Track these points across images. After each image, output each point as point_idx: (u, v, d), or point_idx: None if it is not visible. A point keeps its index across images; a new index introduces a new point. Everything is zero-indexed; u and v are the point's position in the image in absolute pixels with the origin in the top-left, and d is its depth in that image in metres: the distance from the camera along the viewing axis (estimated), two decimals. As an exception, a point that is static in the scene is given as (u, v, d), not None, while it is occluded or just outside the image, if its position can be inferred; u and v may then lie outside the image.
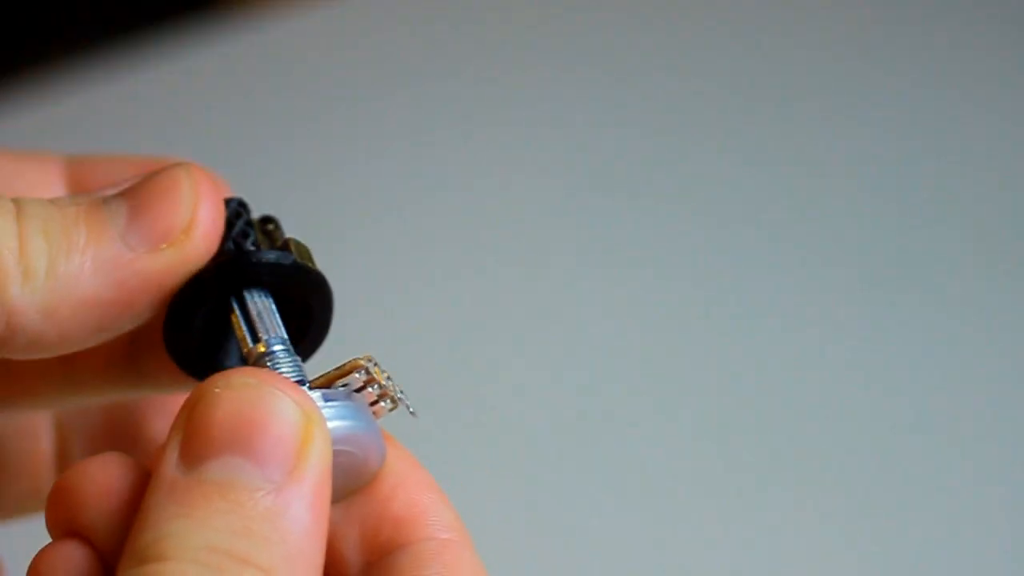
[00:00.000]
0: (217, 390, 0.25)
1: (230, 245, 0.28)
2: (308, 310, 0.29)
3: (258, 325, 0.28)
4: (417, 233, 0.79)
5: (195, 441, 0.25)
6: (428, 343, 0.73)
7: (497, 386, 0.68)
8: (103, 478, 0.26)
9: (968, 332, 0.75)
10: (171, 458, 0.25)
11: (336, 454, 0.26)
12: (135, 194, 0.27)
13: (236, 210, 0.29)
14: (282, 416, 0.25)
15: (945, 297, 0.77)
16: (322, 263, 0.31)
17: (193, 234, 0.27)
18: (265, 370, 0.26)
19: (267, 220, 0.30)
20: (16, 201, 0.26)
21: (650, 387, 0.72)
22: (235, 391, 0.25)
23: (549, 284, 0.78)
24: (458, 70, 0.96)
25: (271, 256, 0.29)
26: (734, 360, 0.73)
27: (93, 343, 0.27)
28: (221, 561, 0.23)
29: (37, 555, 0.27)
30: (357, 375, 0.27)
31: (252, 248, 0.29)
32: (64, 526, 0.27)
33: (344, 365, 0.28)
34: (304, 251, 0.30)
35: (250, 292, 0.28)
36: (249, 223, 0.29)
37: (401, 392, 0.28)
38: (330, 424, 0.26)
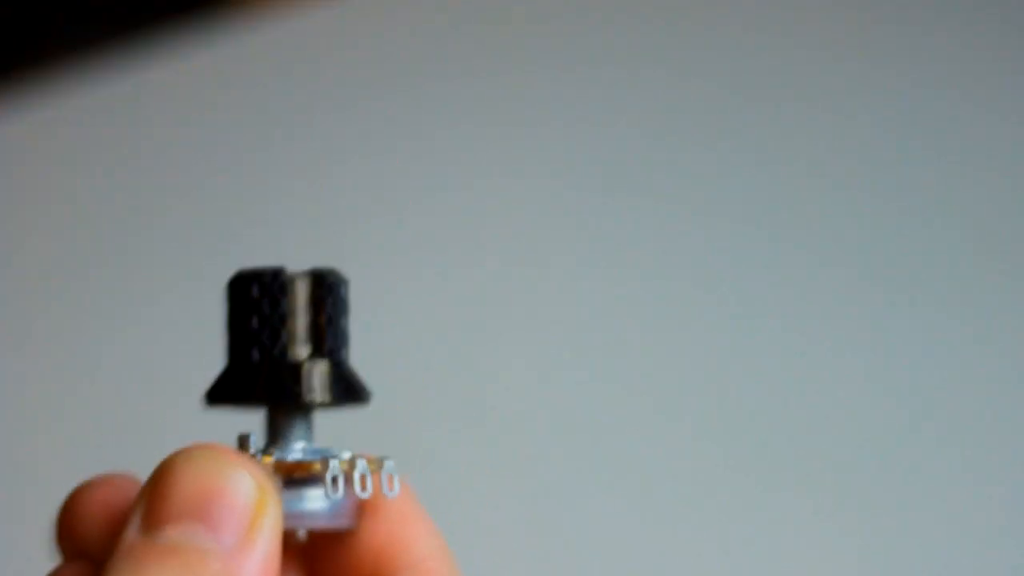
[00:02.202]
0: (179, 461, 0.26)
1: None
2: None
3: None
4: (417, 232, 0.79)
5: (155, 508, 0.26)
6: (428, 342, 0.73)
7: (497, 385, 0.68)
8: (106, 497, 0.28)
9: (968, 332, 0.75)
10: (133, 524, 0.26)
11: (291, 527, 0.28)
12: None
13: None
14: (238, 487, 0.26)
15: (945, 297, 0.77)
16: (322, 263, 0.31)
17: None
18: (224, 446, 0.27)
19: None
20: None
21: (649, 387, 0.72)
22: (196, 463, 0.26)
23: (549, 283, 0.78)
24: (458, 70, 0.96)
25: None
26: (734, 360, 0.73)
27: None
28: None
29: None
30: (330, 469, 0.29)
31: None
32: (70, 547, 0.28)
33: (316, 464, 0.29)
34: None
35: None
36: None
37: (383, 472, 0.29)
38: (284, 504, 0.27)
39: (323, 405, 0.29)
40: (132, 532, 0.25)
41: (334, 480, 0.28)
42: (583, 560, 0.67)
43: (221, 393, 0.29)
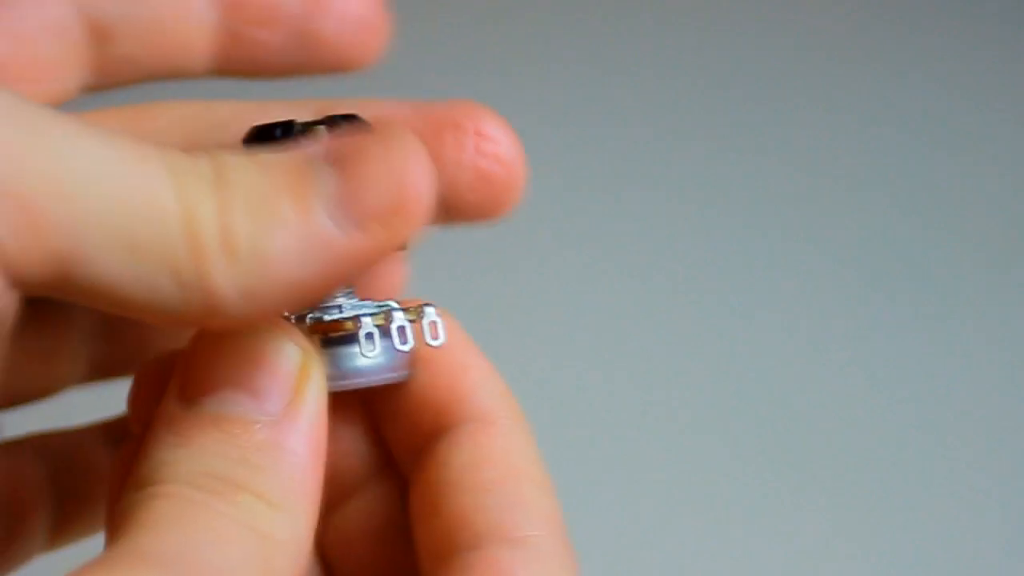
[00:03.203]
0: (215, 330, 0.25)
1: None
2: None
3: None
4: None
5: (194, 377, 0.25)
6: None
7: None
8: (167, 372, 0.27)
9: (968, 332, 0.75)
10: (171, 393, 0.25)
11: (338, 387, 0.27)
12: (345, 161, 0.24)
13: None
14: (280, 353, 0.25)
15: (948, 296, 0.77)
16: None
17: (405, 213, 0.25)
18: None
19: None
20: (215, 160, 0.24)
21: (649, 386, 0.72)
22: (233, 332, 0.25)
23: (549, 283, 0.78)
24: (458, 70, 0.96)
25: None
26: (734, 359, 0.74)
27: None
28: (217, 485, 0.24)
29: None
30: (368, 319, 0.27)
31: None
32: (135, 422, 0.27)
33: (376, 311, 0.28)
34: None
35: None
36: None
37: (426, 318, 0.28)
38: (328, 364, 0.26)
39: None
40: (171, 403, 0.25)
41: (368, 336, 0.27)
42: (583, 561, 0.67)
43: None
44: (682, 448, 0.68)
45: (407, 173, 0.25)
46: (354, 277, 0.26)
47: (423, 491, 0.27)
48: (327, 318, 0.27)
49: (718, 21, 1.02)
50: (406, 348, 0.27)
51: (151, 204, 0.23)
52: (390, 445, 0.29)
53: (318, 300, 0.27)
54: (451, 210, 0.30)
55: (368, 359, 0.27)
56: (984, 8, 1.03)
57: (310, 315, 0.27)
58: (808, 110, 0.92)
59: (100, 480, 0.32)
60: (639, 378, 0.72)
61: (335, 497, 0.27)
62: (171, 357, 0.27)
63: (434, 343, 0.28)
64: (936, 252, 0.80)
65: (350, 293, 0.28)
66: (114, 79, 0.30)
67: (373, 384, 0.27)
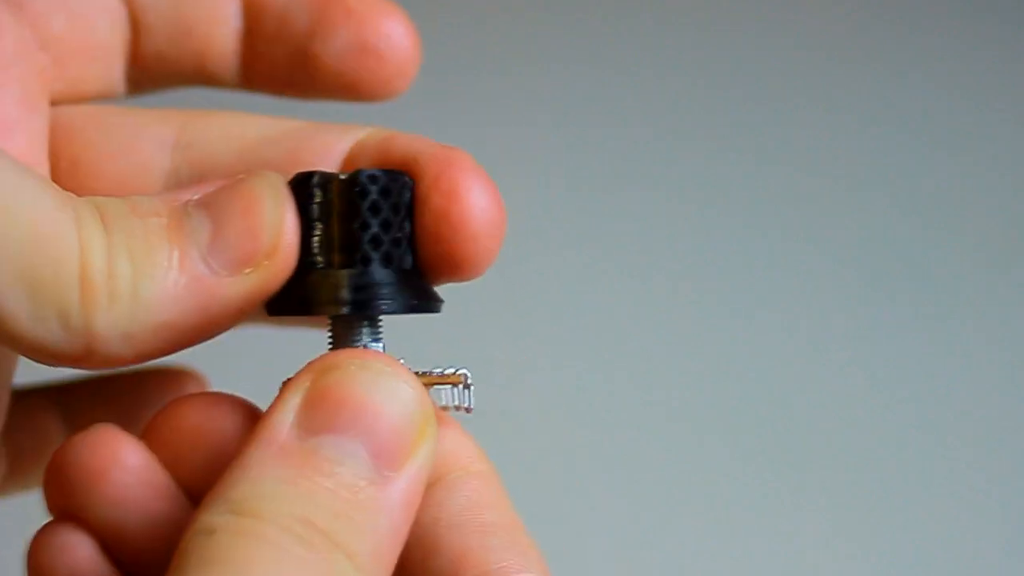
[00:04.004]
0: (352, 367, 0.25)
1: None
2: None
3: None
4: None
5: (318, 410, 0.25)
6: (427, 341, 0.73)
7: (495, 386, 0.68)
8: (100, 457, 0.26)
9: (968, 332, 0.75)
10: (286, 419, 0.25)
11: None
12: (218, 208, 0.25)
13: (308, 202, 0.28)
14: (405, 410, 0.25)
15: (948, 295, 0.77)
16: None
17: (276, 258, 0.25)
18: (399, 363, 0.26)
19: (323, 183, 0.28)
20: (99, 206, 0.24)
21: (649, 387, 0.72)
22: (369, 373, 0.25)
23: (548, 283, 0.78)
24: (458, 69, 0.96)
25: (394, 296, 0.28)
26: (734, 359, 0.73)
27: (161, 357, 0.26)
28: (315, 537, 0.23)
29: (35, 537, 0.27)
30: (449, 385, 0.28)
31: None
32: (62, 507, 0.27)
33: (446, 374, 0.28)
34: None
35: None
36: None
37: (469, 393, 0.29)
38: None
39: (391, 312, 0.28)
40: (284, 428, 0.24)
41: (467, 389, 0.28)
42: (584, 560, 0.67)
43: (280, 305, 0.27)
44: (682, 448, 0.68)
45: (277, 218, 0.25)
46: (231, 322, 0.27)
47: (416, 532, 0.27)
48: (435, 371, 0.28)
49: (718, 21, 1.02)
50: (471, 408, 0.28)
51: (57, 248, 0.24)
52: None
53: (194, 343, 0.27)
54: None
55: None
56: (984, 8, 1.03)
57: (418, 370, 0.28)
58: (808, 110, 0.92)
59: (49, 440, 0.32)
60: (639, 378, 0.72)
61: None
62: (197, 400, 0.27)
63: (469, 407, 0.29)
64: (936, 252, 0.80)
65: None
66: (148, 76, 0.31)
67: None
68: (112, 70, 0.30)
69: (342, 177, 0.28)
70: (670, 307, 0.76)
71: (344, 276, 0.27)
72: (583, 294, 0.76)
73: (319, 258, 0.27)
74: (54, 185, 0.24)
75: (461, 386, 0.28)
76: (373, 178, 0.28)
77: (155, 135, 0.30)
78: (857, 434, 0.69)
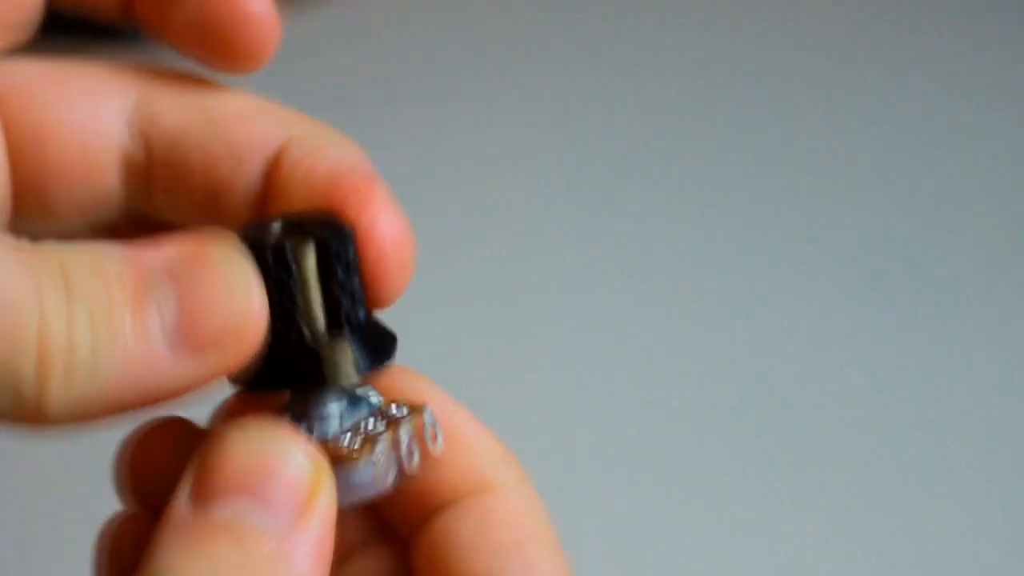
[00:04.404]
0: (232, 434, 0.25)
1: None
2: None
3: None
4: (417, 231, 0.79)
5: (206, 480, 0.25)
6: (426, 341, 0.73)
7: (495, 386, 0.68)
8: (165, 445, 0.27)
9: (968, 332, 0.75)
10: (182, 495, 0.25)
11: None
12: (186, 283, 0.24)
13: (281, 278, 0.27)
14: (292, 463, 0.25)
15: (945, 297, 0.77)
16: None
17: (243, 340, 0.25)
18: (277, 421, 0.26)
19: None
20: (64, 266, 0.24)
21: (649, 387, 0.72)
22: (249, 436, 0.25)
23: (548, 282, 0.78)
24: (458, 69, 0.96)
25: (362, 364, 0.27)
26: (734, 359, 0.74)
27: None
28: None
29: (106, 524, 0.28)
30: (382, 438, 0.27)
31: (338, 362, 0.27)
32: (133, 494, 0.27)
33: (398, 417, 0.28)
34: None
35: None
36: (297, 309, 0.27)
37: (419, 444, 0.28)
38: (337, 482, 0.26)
39: (352, 384, 0.27)
40: (181, 505, 0.25)
41: (379, 463, 0.27)
42: (584, 560, 0.67)
43: (244, 377, 0.27)
44: (682, 448, 0.68)
45: (245, 301, 0.25)
46: (188, 397, 0.26)
47: (430, 553, 0.27)
48: (330, 431, 0.27)
49: (718, 21, 1.02)
50: (415, 470, 0.27)
51: (16, 313, 0.23)
52: (384, 512, 0.29)
53: (140, 417, 0.27)
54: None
55: (379, 483, 0.27)
56: (984, 8, 1.03)
57: (316, 430, 0.27)
58: (808, 110, 0.92)
59: None
60: (639, 378, 0.72)
61: (333, 561, 0.27)
62: (161, 424, 0.27)
63: (435, 451, 0.28)
64: (936, 252, 0.80)
65: (340, 397, 0.28)
66: None
67: (377, 496, 0.27)
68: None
69: (291, 247, 0.27)
70: (670, 307, 0.76)
71: (311, 348, 0.27)
72: (583, 294, 0.77)
73: (280, 327, 0.27)
74: (16, 242, 0.24)
75: (425, 425, 0.28)
76: (323, 246, 0.27)
77: (114, 107, 0.29)
78: (857, 434, 0.69)
